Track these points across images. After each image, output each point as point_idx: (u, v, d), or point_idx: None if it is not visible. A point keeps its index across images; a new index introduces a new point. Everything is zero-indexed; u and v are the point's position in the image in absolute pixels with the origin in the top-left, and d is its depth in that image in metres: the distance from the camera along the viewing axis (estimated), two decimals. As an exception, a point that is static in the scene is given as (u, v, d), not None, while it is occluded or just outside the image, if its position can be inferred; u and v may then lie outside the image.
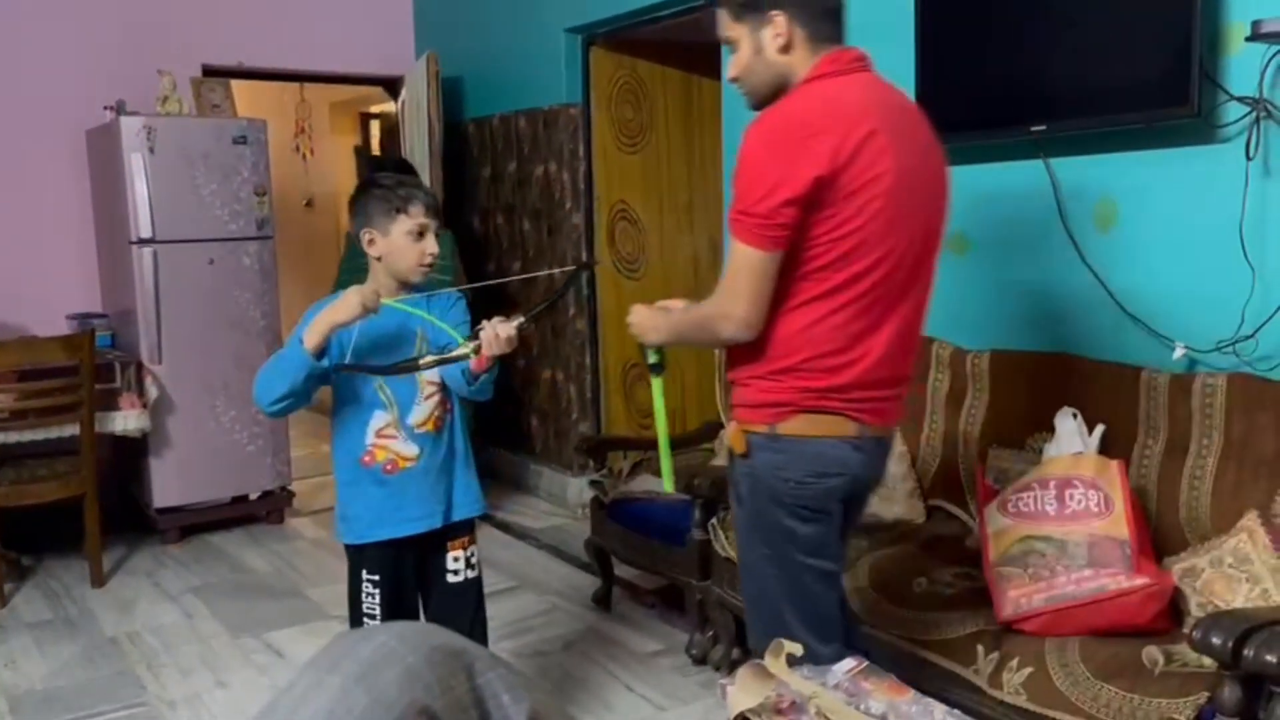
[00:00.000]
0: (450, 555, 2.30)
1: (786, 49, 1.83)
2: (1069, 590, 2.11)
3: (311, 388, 2.08)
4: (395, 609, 2.24)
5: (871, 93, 1.84)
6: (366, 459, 2.18)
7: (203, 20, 4.98)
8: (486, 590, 2.42)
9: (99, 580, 3.89)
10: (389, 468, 2.18)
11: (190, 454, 4.40)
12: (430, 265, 2.17)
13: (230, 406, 4.49)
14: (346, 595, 2.29)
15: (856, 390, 1.83)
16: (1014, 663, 2.07)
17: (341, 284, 4.76)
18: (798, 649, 1.45)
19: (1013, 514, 2.29)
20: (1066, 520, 2.21)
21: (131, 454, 4.45)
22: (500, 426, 5.32)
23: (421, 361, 2.00)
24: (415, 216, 2.14)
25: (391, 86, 5.70)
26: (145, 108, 4.46)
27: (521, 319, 2.03)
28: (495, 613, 3.53)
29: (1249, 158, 2.32)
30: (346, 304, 2.01)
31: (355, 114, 7.09)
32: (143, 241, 4.24)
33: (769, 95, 1.87)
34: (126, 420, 4.10)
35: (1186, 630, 1.92)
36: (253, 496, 4.61)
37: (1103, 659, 1.99)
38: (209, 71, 4.97)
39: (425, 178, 4.96)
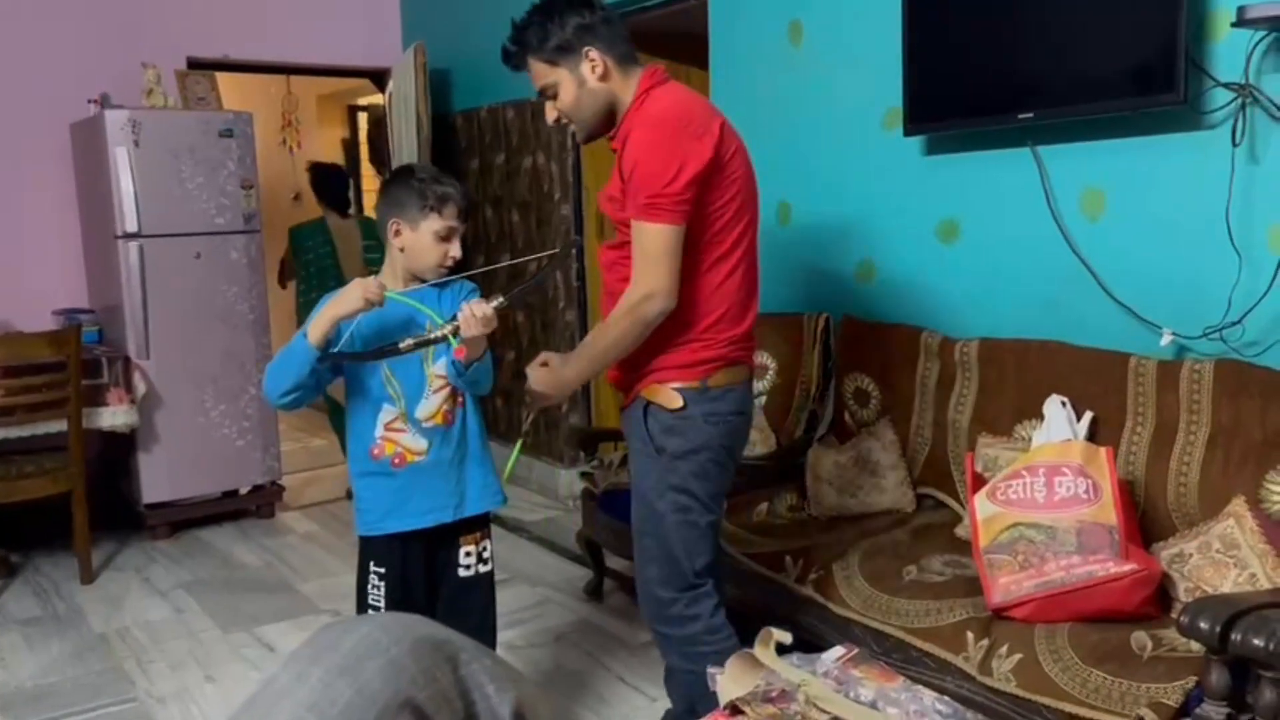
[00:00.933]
0: (462, 550, 2.29)
1: (605, 76, 2.11)
2: (1058, 577, 2.12)
3: (319, 380, 2.08)
4: (400, 602, 2.22)
5: (696, 93, 2.20)
6: (375, 451, 2.18)
7: (187, 13, 4.95)
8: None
9: (88, 577, 3.88)
10: (397, 461, 2.17)
11: (179, 449, 4.38)
12: (450, 267, 2.16)
13: (219, 401, 4.47)
14: (355, 586, 2.30)
15: (750, 339, 2.19)
16: (1004, 649, 2.08)
17: (306, 284, 4.77)
18: (787, 637, 1.46)
19: (1002, 501, 2.29)
20: (1055, 507, 2.21)
21: (120, 450, 4.43)
22: (490, 419, 5.31)
23: (401, 345, 1.99)
24: (447, 219, 2.14)
25: (379, 78, 5.67)
26: (130, 101, 4.43)
27: (500, 299, 2.03)
28: (486, 605, 3.55)
29: (1235, 144, 2.32)
30: (348, 297, 2.01)
31: (343, 106, 7.07)
32: (129, 236, 4.22)
33: (601, 120, 2.15)
34: (114, 416, 4.09)
35: (1174, 615, 1.93)
36: (243, 491, 4.60)
37: (1092, 645, 1.99)
38: (194, 64, 4.94)
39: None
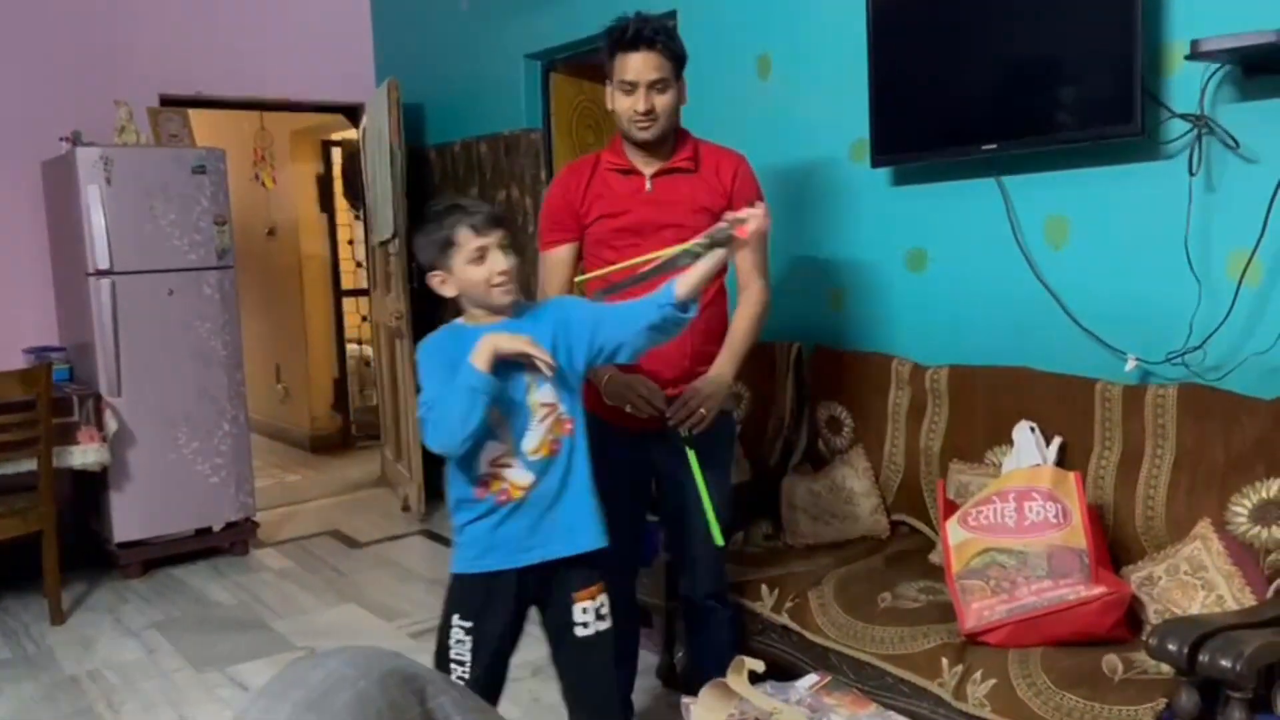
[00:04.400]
0: (578, 607, 2.08)
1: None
2: (1030, 601, 2.14)
3: None
4: (492, 654, 2.06)
5: None
6: (478, 492, 2.02)
7: (160, 50, 4.96)
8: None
9: (58, 618, 3.83)
10: (502, 498, 2.01)
11: (151, 487, 4.34)
12: (503, 284, 1.99)
13: (193, 438, 4.44)
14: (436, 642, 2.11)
15: None
16: (978, 675, 2.09)
17: None
18: (759, 665, 1.46)
19: (974, 527, 2.31)
20: (1026, 532, 2.24)
21: (91, 488, 4.39)
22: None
23: (683, 249, 1.93)
24: (467, 242, 1.97)
25: (352, 114, 5.69)
26: (102, 138, 4.43)
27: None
28: (463, 640, 3.52)
29: (1192, 173, 2.38)
30: (513, 339, 1.92)
31: (317, 141, 7.06)
32: (100, 273, 4.20)
33: (671, 132, 2.40)
34: (85, 454, 4.05)
35: (1144, 637, 1.95)
36: (216, 528, 4.56)
37: (1064, 668, 2.01)
38: (166, 101, 4.94)
39: (388, 204, 4.96)
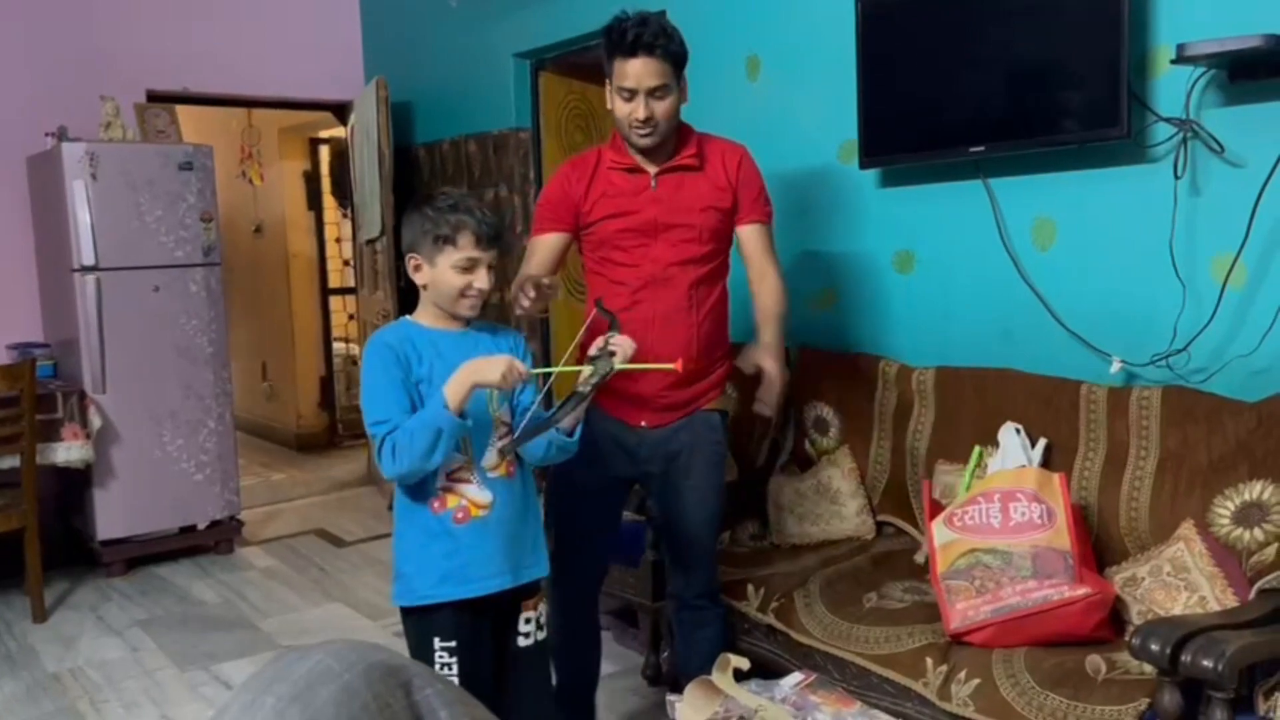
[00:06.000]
0: (523, 616, 2.05)
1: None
2: (1014, 601, 2.14)
3: None
4: (475, 679, 1.93)
5: None
6: (435, 505, 1.93)
7: (147, 45, 4.93)
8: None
9: (40, 615, 3.80)
10: (459, 516, 1.93)
11: (136, 484, 4.32)
12: (474, 300, 1.95)
13: (177, 435, 4.42)
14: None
15: None
16: (962, 674, 2.09)
17: None
18: (744, 663, 1.47)
19: (959, 528, 2.32)
20: (1011, 533, 2.25)
21: (74, 485, 4.36)
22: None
23: (583, 389, 1.86)
24: (464, 249, 1.91)
25: (341, 111, 5.68)
26: (88, 134, 4.40)
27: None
28: (449, 639, 3.51)
29: (1177, 177, 2.39)
30: (490, 371, 1.81)
31: (305, 139, 7.04)
32: (85, 269, 4.17)
33: (670, 137, 2.33)
34: (69, 451, 4.03)
35: (1127, 638, 1.96)
36: (201, 526, 4.54)
37: (1048, 668, 2.02)
38: (153, 97, 4.92)
39: (376, 202, 4.95)
